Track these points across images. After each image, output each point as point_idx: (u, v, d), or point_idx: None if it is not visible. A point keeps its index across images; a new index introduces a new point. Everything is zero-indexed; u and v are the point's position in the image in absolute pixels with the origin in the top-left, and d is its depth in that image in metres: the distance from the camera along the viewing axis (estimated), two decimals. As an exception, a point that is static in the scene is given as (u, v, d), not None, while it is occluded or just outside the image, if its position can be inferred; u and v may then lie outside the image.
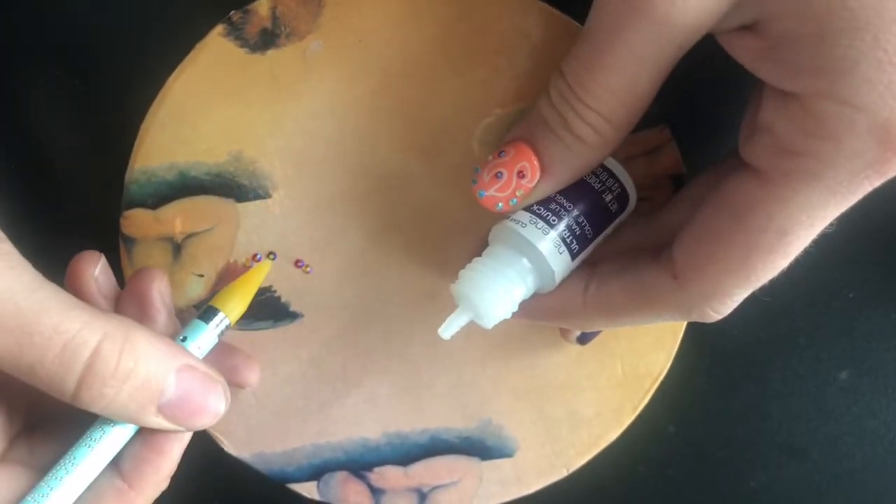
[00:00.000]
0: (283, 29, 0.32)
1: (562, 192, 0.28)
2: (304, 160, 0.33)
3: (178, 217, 0.33)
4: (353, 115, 0.33)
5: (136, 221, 0.33)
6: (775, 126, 0.23)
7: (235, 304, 0.29)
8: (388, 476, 0.34)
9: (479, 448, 0.34)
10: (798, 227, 0.23)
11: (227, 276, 0.33)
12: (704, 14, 0.23)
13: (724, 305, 0.25)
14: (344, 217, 0.33)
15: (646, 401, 0.34)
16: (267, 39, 0.32)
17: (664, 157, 0.33)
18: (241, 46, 0.32)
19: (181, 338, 0.28)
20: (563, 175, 0.27)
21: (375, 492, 0.34)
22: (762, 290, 0.25)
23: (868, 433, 0.35)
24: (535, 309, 0.30)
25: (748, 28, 0.23)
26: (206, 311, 0.28)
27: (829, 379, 0.35)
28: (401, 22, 0.32)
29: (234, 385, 0.32)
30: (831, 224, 0.24)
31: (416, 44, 0.32)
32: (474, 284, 0.28)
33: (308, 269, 0.33)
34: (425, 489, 0.34)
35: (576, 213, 0.28)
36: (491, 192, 0.27)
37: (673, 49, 0.24)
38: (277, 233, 0.33)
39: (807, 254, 0.25)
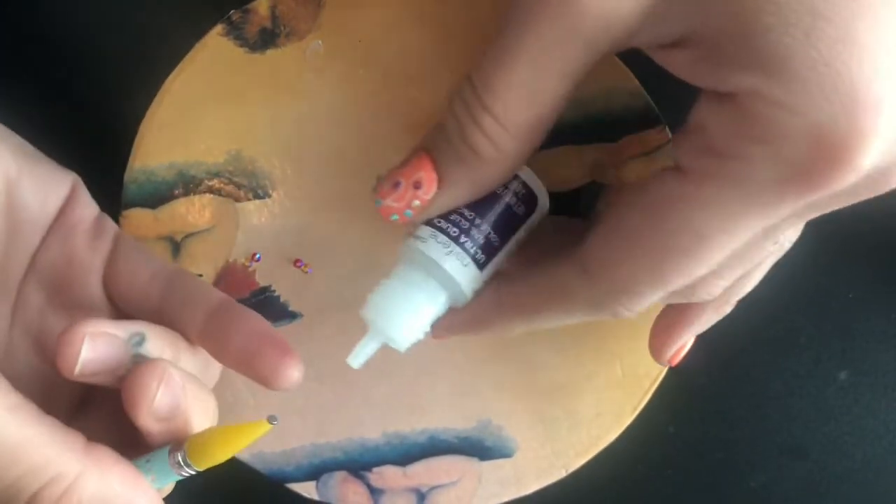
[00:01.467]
0: (282, 28, 0.32)
1: None
2: (303, 160, 0.33)
3: (177, 216, 0.33)
4: (353, 114, 0.33)
5: (136, 221, 0.33)
6: (707, 125, 0.21)
7: (211, 457, 0.26)
8: (387, 476, 0.34)
9: (479, 448, 0.34)
10: (716, 232, 0.21)
11: (227, 275, 0.33)
12: (615, 7, 0.21)
13: (634, 303, 0.24)
14: (343, 217, 0.33)
15: (645, 401, 0.34)
16: (266, 39, 0.32)
17: (664, 157, 0.33)
18: (241, 46, 0.32)
19: (146, 459, 0.26)
20: (462, 191, 0.25)
21: (374, 492, 0.34)
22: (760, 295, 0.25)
23: (868, 433, 0.35)
24: (452, 324, 0.29)
25: (678, 45, 0.22)
26: (179, 452, 0.26)
27: (828, 379, 0.35)
28: (401, 22, 0.32)
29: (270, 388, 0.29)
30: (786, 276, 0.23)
31: (416, 44, 0.32)
32: (381, 309, 0.27)
33: (307, 269, 0.33)
34: (424, 489, 0.34)
35: (479, 221, 0.26)
36: (388, 201, 0.25)
37: (580, 46, 0.22)
38: (277, 232, 0.33)
39: (807, 254, 0.25)
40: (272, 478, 0.34)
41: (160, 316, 0.28)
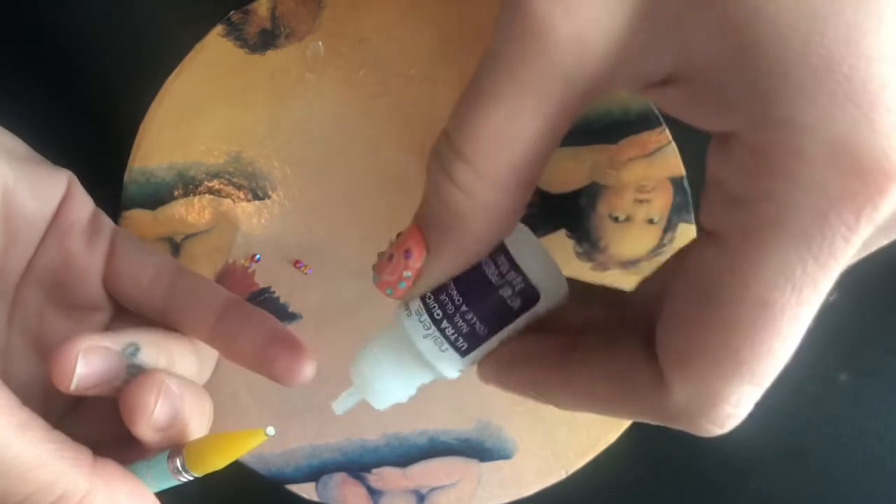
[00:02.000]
0: (282, 29, 0.32)
1: (456, 283, 0.24)
2: (303, 161, 0.33)
3: (176, 217, 0.33)
4: (352, 115, 0.33)
5: (135, 222, 0.33)
6: (720, 175, 0.19)
7: (208, 463, 0.26)
8: (387, 477, 0.34)
9: (478, 450, 0.34)
10: (779, 292, 0.18)
11: (226, 276, 0.33)
12: (598, 29, 0.19)
13: (720, 413, 0.21)
14: (343, 218, 0.33)
15: (645, 402, 0.34)
16: (266, 40, 0.32)
17: (664, 158, 0.33)
18: (241, 47, 0.32)
19: (147, 464, 0.27)
20: (448, 256, 0.23)
21: (374, 493, 0.34)
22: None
23: (868, 435, 0.35)
24: (512, 377, 0.25)
25: (668, 82, 0.20)
26: (177, 458, 0.26)
27: (828, 380, 0.35)
28: (401, 22, 0.32)
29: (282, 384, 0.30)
30: (831, 292, 0.20)
31: (416, 44, 0.32)
32: (363, 372, 0.26)
33: (307, 269, 0.33)
34: (424, 490, 0.34)
35: (465, 309, 0.24)
36: (383, 276, 0.24)
37: (556, 82, 0.19)
38: (276, 233, 0.33)
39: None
40: (272, 479, 0.34)
41: (164, 314, 0.28)
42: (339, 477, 0.34)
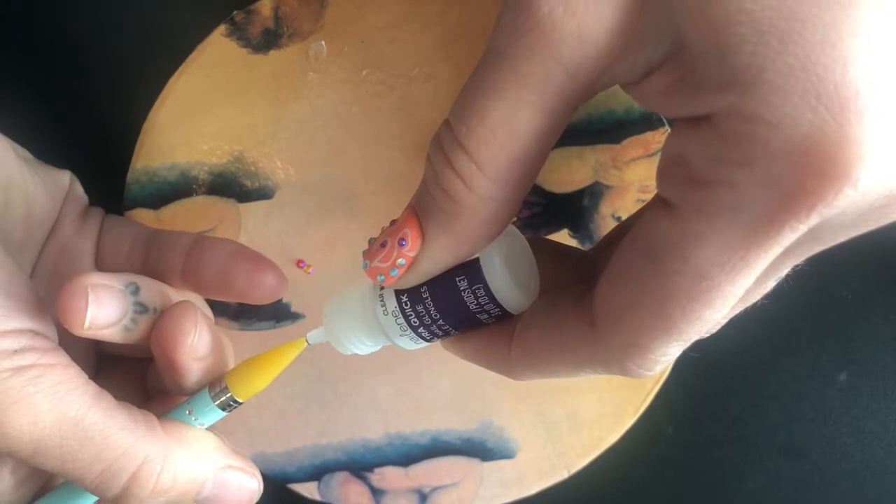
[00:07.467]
0: (285, 29, 0.32)
1: (434, 301, 0.24)
2: (305, 160, 0.33)
3: (179, 217, 0.33)
4: (355, 115, 0.33)
5: (138, 221, 0.33)
6: (685, 154, 0.20)
7: (251, 385, 0.27)
8: (389, 477, 0.34)
9: (481, 449, 0.34)
10: (717, 269, 0.19)
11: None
12: (599, 24, 0.19)
13: (647, 361, 0.22)
14: (345, 217, 0.33)
15: (647, 403, 0.34)
16: (269, 40, 0.32)
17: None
18: (244, 46, 0.32)
19: (187, 411, 0.27)
20: (445, 244, 0.23)
21: (376, 492, 0.34)
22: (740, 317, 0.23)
23: (866, 434, 0.35)
24: (466, 347, 0.26)
25: (653, 72, 0.20)
26: (220, 390, 0.27)
27: (827, 380, 0.35)
28: (402, 22, 0.32)
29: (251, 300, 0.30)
30: (785, 277, 0.21)
31: (418, 44, 0.32)
32: (339, 326, 0.26)
33: (310, 269, 0.33)
34: (426, 490, 0.34)
35: (441, 322, 0.25)
36: (374, 263, 0.24)
37: (559, 74, 0.20)
38: (279, 233, 0.33)
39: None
40: (274, 478, 0.34)
41: (144, 273, 0.29)
42: (342, 476, 0.34)
